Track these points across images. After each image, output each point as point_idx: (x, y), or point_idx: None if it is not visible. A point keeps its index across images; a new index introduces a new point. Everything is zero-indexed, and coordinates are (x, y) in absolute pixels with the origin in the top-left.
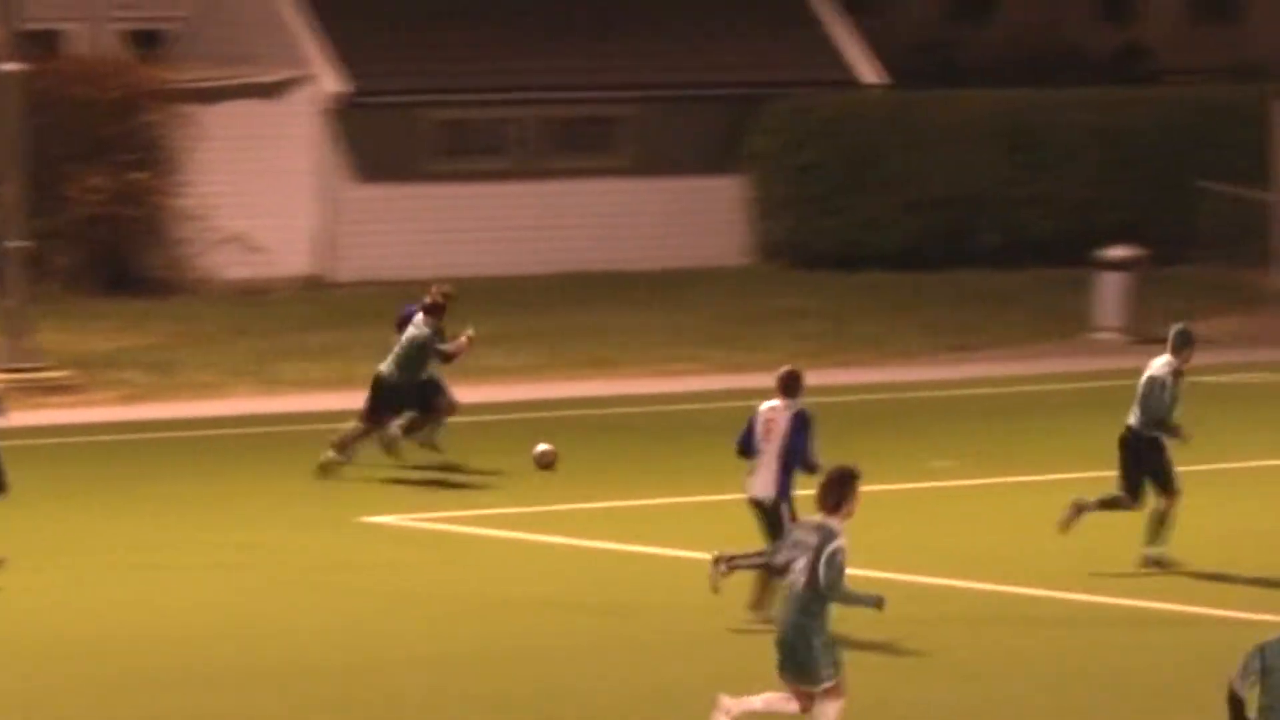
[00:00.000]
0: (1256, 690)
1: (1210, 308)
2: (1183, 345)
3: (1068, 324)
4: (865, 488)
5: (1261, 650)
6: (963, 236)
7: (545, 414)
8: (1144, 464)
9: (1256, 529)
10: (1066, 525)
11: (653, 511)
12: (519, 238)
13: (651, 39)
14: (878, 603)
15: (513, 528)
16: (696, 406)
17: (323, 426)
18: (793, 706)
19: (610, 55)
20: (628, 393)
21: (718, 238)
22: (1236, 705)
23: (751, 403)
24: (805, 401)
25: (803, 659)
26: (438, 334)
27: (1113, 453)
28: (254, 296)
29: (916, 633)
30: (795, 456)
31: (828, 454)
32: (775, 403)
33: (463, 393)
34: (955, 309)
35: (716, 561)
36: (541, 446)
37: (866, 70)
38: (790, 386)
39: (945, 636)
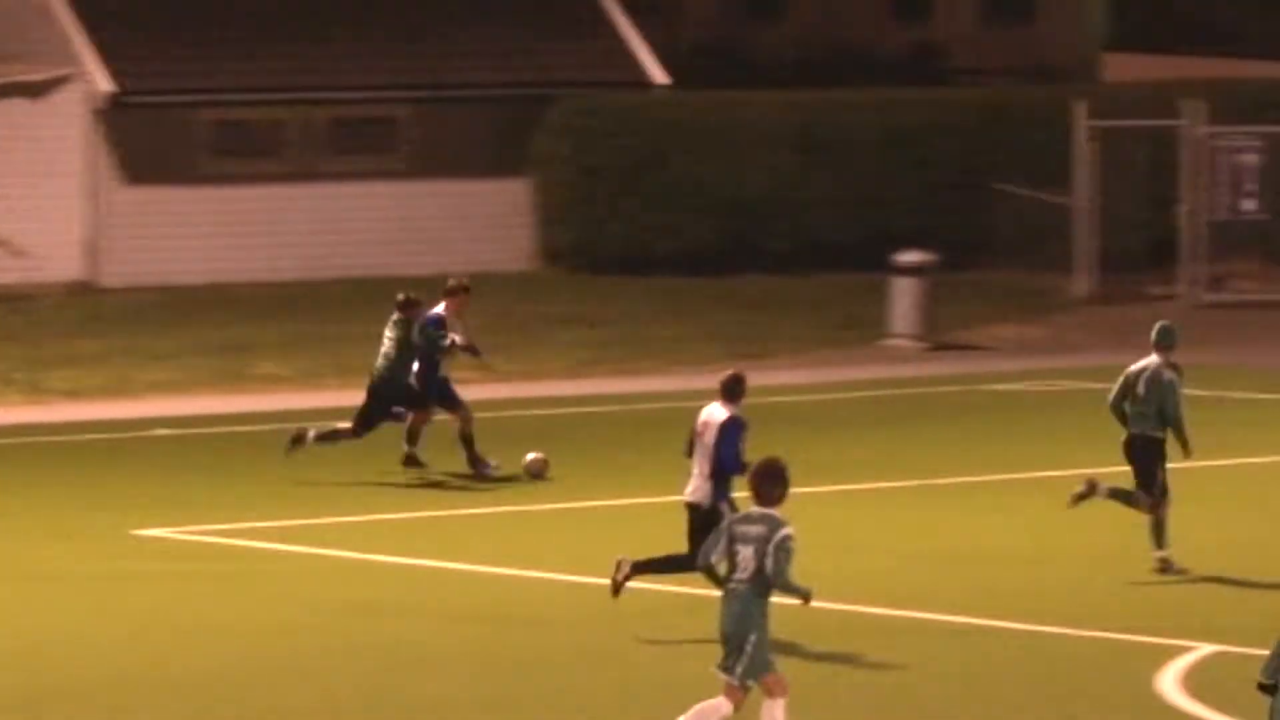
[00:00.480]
0: None
1: (1008, 313)
2: (1173, 342)
3: (860, 330)
4: (647, 499)
5: None
6: (752, 240)
7: (320, 423)
8: (1153, 461)
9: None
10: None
11: (414, 524)
12: (295, 242)
13: (431, 39)
14: (806, 597)
15: (281, 540)
16: (478, 415)
17: (97, 436)
18: (725, 710)
19: (389, 55)
20: None
21: (500, 242)
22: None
23: (531, 412)
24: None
25: (750, 651)
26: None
27: (886, 464)
28: (20, 302)
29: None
30: (723, 461)
31: (615, 459)
32: (715, 406)
33: (238, 402)
34: (745, 315)
35: (619, 565)
36: (532, 455)
37: (655, 71)
38: (731, 390)
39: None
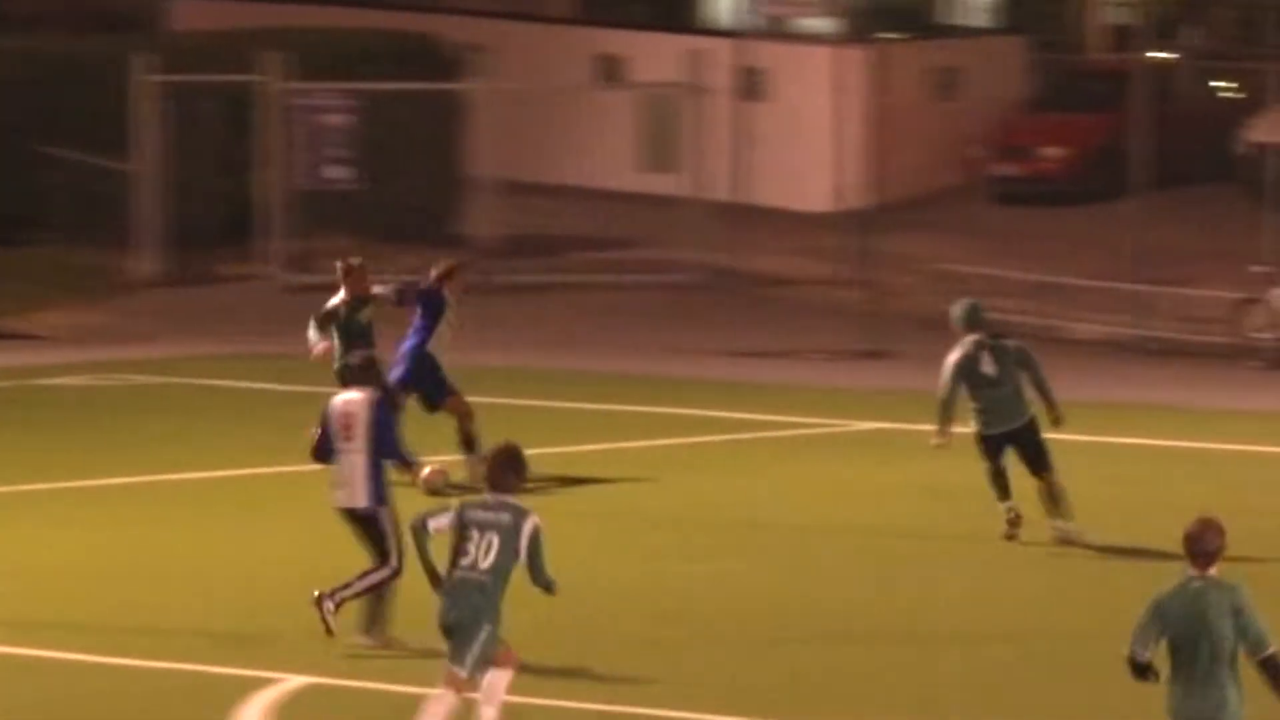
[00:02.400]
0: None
1: (62, 297)
2: (982, 319)
3: None
4: None
5: (1158, 605)
6: None
7: None
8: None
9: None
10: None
11: None
12: None
13: None
14: (551, 587)
15: None
16: None
17: None
18: (447, 700)
19: None
20: None
21: None
22: (1141, 669)
23: None
24: None
25: (484, 641)
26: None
27: None
28: None
29: None
30: (384, 450)
31: None
32: (350, 394)
33: None
34: None
35: (319, 600)
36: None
37: None
38: (364, 375)
39: None
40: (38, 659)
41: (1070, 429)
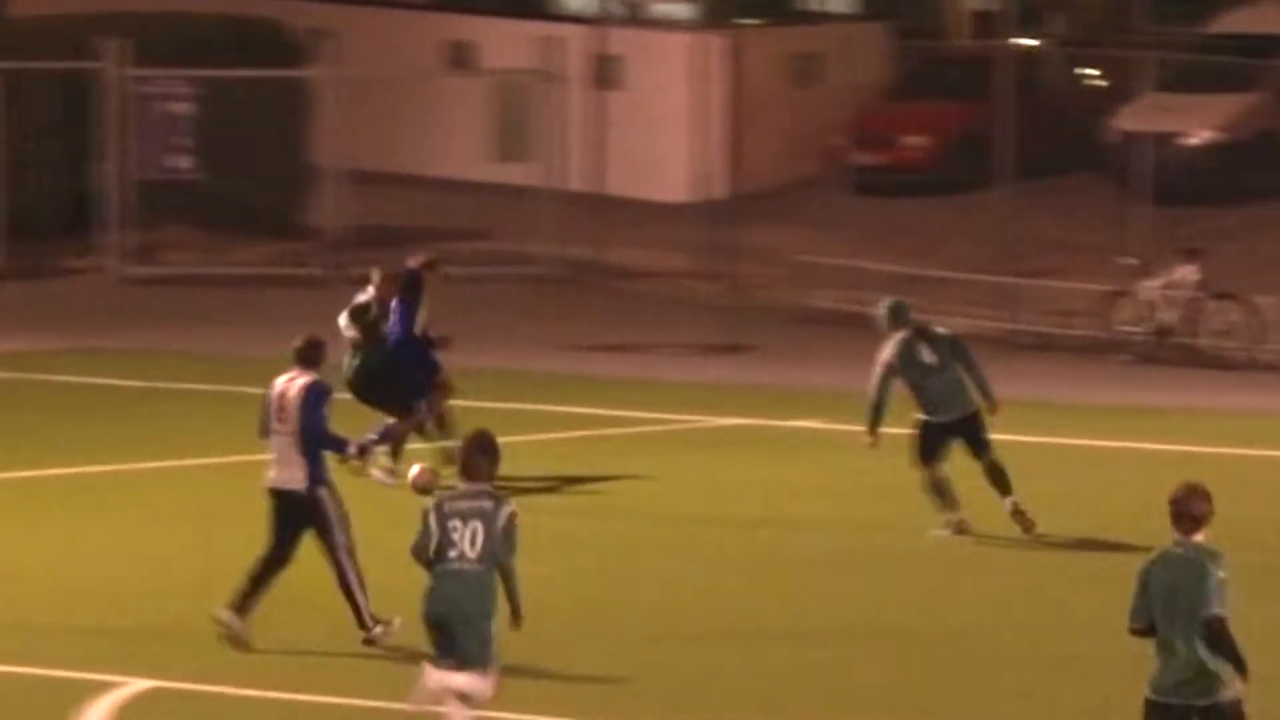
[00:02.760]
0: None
1: None
2: (909, 314)
3: None
4: None
5: (1143, 574)
6: None
7: None
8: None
9: None
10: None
11: None
12: None
13: None
14: (512, 576)
15: None
16: None
17: None
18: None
19: None
20: None
21: None
22: (1141, 634)
23: None
24: None
25: (482, 639)
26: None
27: None
28: None
29: None
30: (309, 434)
31: None
32: (291, 375)
33: None
34: None
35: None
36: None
37: None
38: (308, 356)
39: None
40: None
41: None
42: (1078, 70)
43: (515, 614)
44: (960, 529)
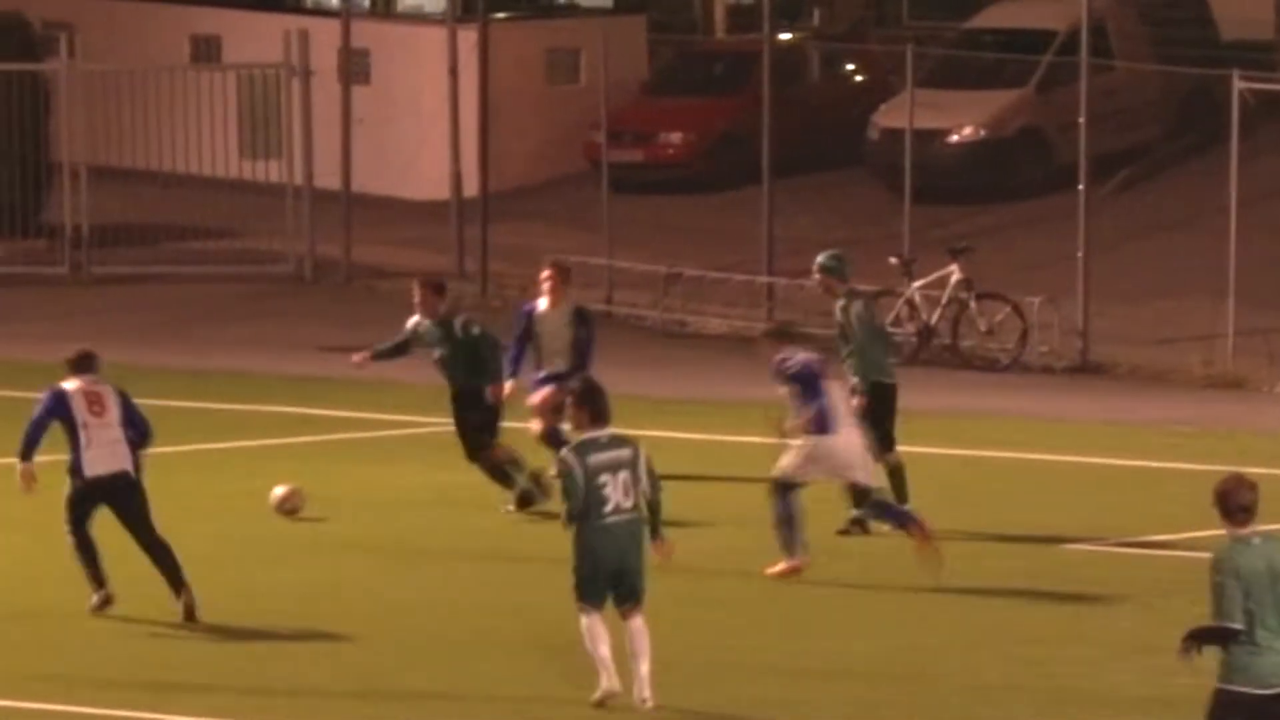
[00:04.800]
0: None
1: None
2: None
3: None
4: None
5: (1231, 567)
6: None
7: None
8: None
9: None
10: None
11: None
12: None
13: None
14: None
15: None
16: None
17: None
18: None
19: None
20: None
21: None
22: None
23: None
24: None
25: (643, 579)
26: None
27: None
28: None
29: None
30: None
31: None
32: (75, 381)
33: None
34: None
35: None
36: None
37: None
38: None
39: None
40: None
41: (698, 428)
42: (839, 66)
43: (657, 536)
44: None
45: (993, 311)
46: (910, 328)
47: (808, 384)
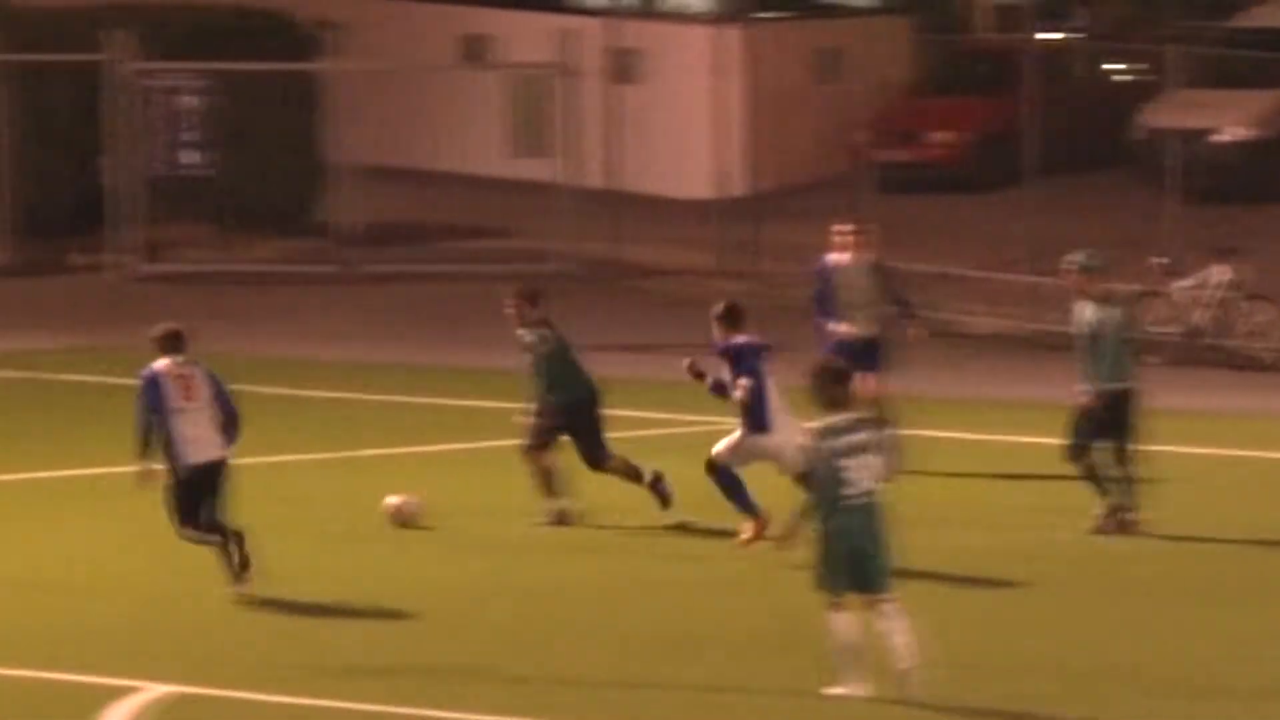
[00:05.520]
0: None
1: None
2: None
3: None
4: None
5: None
6: None
7: None
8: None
9: None
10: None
11: None
12: None
13: None
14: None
15: None
16: None
17: None
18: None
19: None
20: None
21: None
22: None
23: None
24: None
25: (887, 564)
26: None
27: None
28: None
29: None
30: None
31: None
32: (165, 361)
33: None
34: None
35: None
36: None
37: None
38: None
39: None
40: None
41: (961, 426)
42: (1105, 65)
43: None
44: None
45: (1260, 312)
46: (1172, 328)
47: (742, 359)
